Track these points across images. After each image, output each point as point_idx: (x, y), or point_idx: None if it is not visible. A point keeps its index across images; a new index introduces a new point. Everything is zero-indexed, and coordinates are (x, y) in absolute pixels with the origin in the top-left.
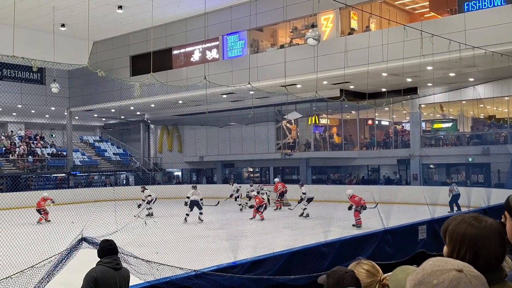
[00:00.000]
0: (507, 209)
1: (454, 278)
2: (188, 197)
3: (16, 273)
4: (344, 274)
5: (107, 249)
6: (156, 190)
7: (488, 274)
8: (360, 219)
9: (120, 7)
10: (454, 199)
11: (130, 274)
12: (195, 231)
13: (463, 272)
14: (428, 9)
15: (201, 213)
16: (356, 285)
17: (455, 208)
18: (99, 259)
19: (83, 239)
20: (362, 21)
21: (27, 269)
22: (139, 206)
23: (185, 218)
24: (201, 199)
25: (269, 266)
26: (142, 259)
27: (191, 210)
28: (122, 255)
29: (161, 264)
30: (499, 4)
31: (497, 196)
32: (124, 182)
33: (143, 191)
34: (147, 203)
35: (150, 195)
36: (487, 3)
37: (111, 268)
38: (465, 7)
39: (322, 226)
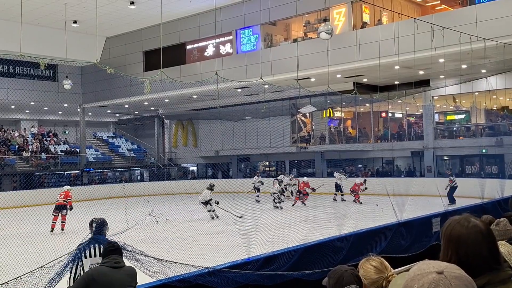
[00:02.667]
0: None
1: (433, 281)
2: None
3: (26, 273)
4: (344, 272)
5: (109, 251)
6: (171, 186)
7: (489, 275)
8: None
9: (132, 2)
10: (451, 192)
11: (142, 273)
12: (208, 226)
13: (443, 274)
14: (439, 1)
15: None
16: (356, 282)
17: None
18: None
19: (93, 238)
20: (374, 14)
21: (37, 269)
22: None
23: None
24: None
25: (283, 261)
26: (154, 258)
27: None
28: (133, 253)
29: (173, 262)
30: None
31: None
32: (139, 178)
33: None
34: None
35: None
36: None
37: (109, 267)
38: None
39: (337, 219)
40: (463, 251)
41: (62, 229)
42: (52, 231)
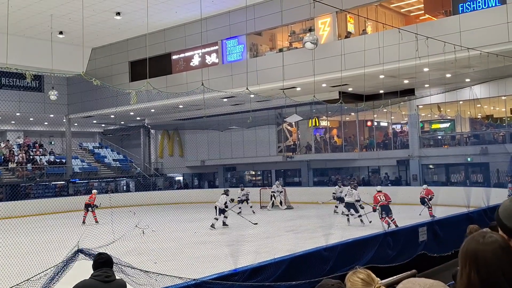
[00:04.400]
0: (497, 222)
1: None
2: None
3: (12, 287)
4: (331, 287)
5: (99, 263)
6: (157, 196)
7: None
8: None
9: (118, 13)
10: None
11: (129, 285)
12: (195, 237)
13: None
14: (423, 12)
15: (225, 217)
16: None
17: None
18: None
19: (79, 251)
20: (359, 24)
21: (23, 283)
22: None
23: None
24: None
25: (271, 272)
26: (140, 270)
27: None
28: (119, 266)
29: (160, 274)
30: (493, 5)
31: (497, 196)
32: (125, 189)
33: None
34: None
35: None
36: (482, 4)
37: (99, 281)
38: (460, 8)
39: (323, 229)
40: (477, 269)
41: (96, 222)
42: (83, 223)
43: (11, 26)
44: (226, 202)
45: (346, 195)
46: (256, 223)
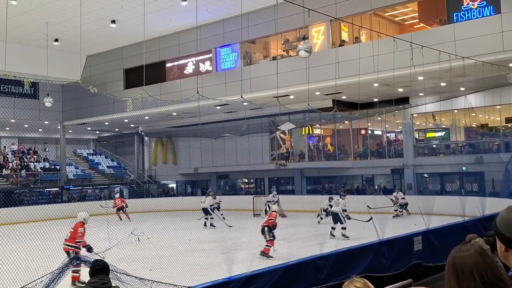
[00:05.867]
0: (494, 231)
1: None
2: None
3: None
4: None
5: (95, 270)
6: (151, 203)
7: None
8: None
9: (113, 21)
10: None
11: None
12: (189, 245)
13: None
14: (417, 20)
15: (212, 218)
16: None
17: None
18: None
19: (76, 258)
20: (353, 32)
21: None
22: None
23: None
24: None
25: (265, 280)
26: (135, 277)
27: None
28: (115, 273)
29: (155, 281)
30: (488, 14)
31: (492, 205)
32: (118, 195)
33: (214, 197)
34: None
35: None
36: (476, 13)
37: None
38: (454, 17)
39: (317, 238)
40: (460, 276)
41: (129, 219)
42: (121, 219)
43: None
44: (212, 205)
45: (332, 205)
46: (231, 226)
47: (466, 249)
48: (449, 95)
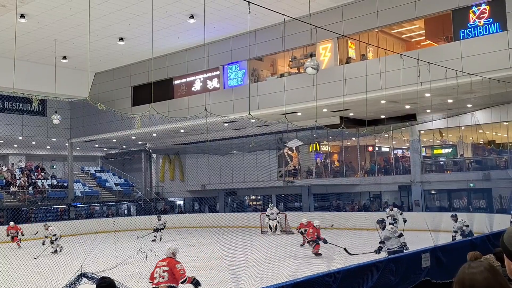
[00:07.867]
0: (502, 248)
1: None
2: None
3: None
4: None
5: (102, 287)
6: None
7: None
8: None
9: (121, 39)
10: None
11: None
12: (197, 262)
13: None
14: (424, 37)
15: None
16: None
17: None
18: None
19: (82, 275)
20: (360, 49)
21: None
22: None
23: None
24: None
25: None
26: None
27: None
28: None
29: None
30: (494, 31)
31: (500, 222)
32: (126, 213)
33: (47, 228)
34: (51, 242)
35: (54, 235)
36: (483, 30)
37: None
38: (461, 34)
39: (324, 254)
40: None
41: (19, 247)
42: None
43: (15, 50)
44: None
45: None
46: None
47: (475, 266)
48: (456, 111)
